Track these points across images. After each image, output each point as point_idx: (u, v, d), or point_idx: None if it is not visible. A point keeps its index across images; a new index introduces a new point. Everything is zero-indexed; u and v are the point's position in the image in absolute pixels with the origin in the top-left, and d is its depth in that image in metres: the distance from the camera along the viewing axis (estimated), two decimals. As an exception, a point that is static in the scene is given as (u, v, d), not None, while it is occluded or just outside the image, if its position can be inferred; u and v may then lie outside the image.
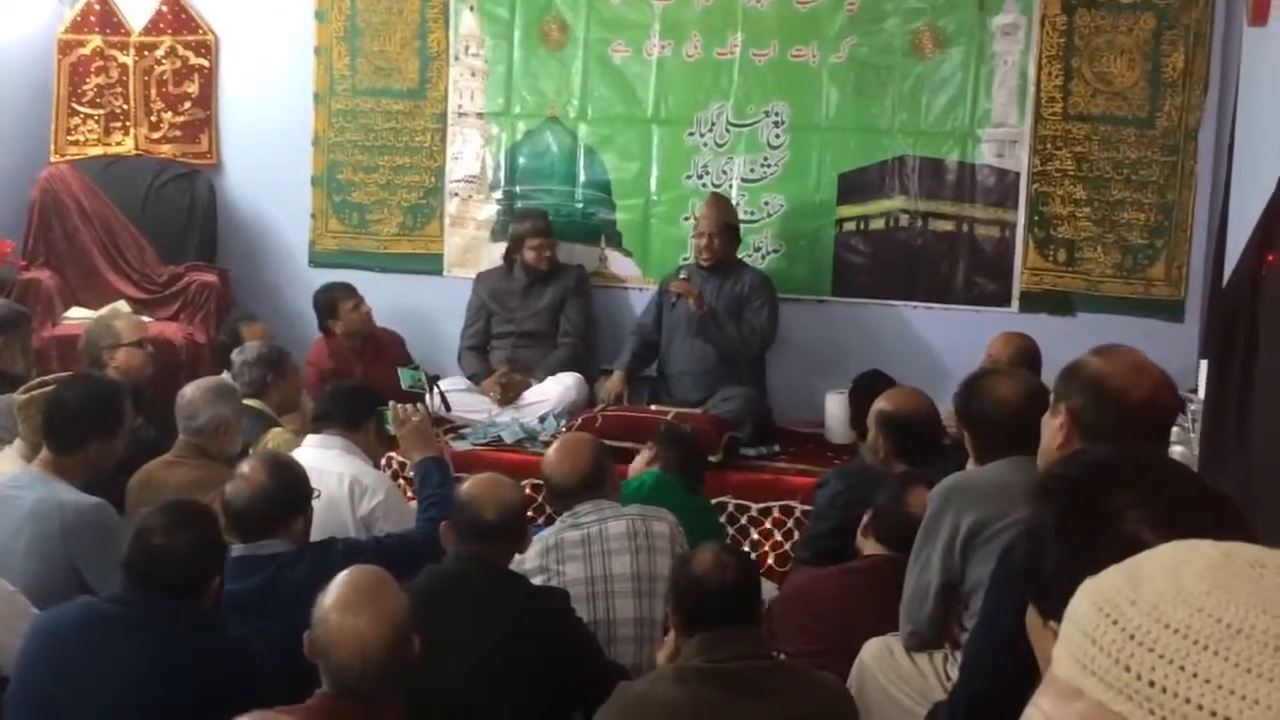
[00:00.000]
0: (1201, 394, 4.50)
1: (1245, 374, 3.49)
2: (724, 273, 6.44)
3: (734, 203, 6.78)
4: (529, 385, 6.57)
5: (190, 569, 3.10)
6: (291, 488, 3.58)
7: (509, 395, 6.48)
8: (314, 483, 3.83)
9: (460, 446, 5.93)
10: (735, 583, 3.01)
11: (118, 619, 3.06)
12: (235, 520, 3.51)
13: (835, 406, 6.26)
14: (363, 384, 5.14)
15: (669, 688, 2.86)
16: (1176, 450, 4.96)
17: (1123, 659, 0.91)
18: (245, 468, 3.59)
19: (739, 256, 6.62)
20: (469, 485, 3.58)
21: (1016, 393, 3.41)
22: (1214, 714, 0.87)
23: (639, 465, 4.75)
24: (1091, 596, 0.98)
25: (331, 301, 6.61)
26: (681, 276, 6.46)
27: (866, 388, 5.29)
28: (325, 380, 5.86)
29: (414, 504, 4.36)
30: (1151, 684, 0.89)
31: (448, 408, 6.30)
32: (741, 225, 6.68)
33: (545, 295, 6.81)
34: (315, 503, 3.79)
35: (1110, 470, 1.61)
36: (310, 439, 4.53)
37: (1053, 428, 2.66)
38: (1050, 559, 1.53)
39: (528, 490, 4.89)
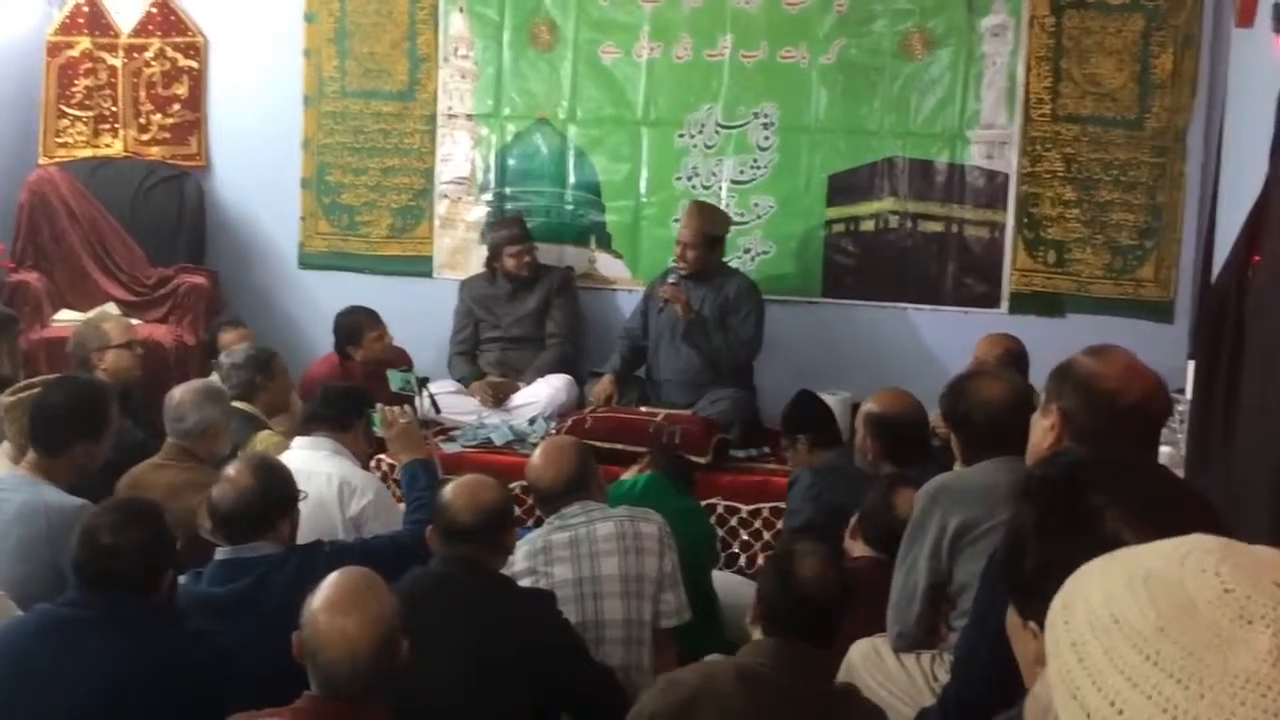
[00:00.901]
0: (1189, 394, 4.50)
1: (1231, 375, 3.50)
2: (709, 279, 6.41)
3: (724, 205, 6.78)
4: (517, 389, 6.56)
5: (141, 566, 3.09)
6: (277, 490, 3.57)
7: (498, 398, 6.47)
8: (303, 484, 3.82)
9: (449, 449, 5.93)
10: (834, 600, 2.95)
11: (74, 622, 3.04)
12: (222, 523, 3.50)
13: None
14: (352, 386, 5.13)
15: (730, 683, 2.78)
16: (1164, 451, 4.95)
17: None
18: (231, 471, 3.59)
19: (725, 261, 6.59)
20: (448, 488, 3.57)
21: (1003, 394, 3.41)
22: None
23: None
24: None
25: (356, 328, 6.42)
26: (670, 281, 6.43)
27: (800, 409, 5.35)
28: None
29: (403, 505, 4.36)
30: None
31: (437, 410, 6.29)
32: (732, 227, 6.67)
33: (530, 299, 6.80)
34: (304, 504, 3.78)
35: (1089, 471, 1.61)
36: (299, 440, 4.53)
37: (1043, 428, 2.65)
38: (1030, 559, 1.53)
39: (517, 492, 4.89)
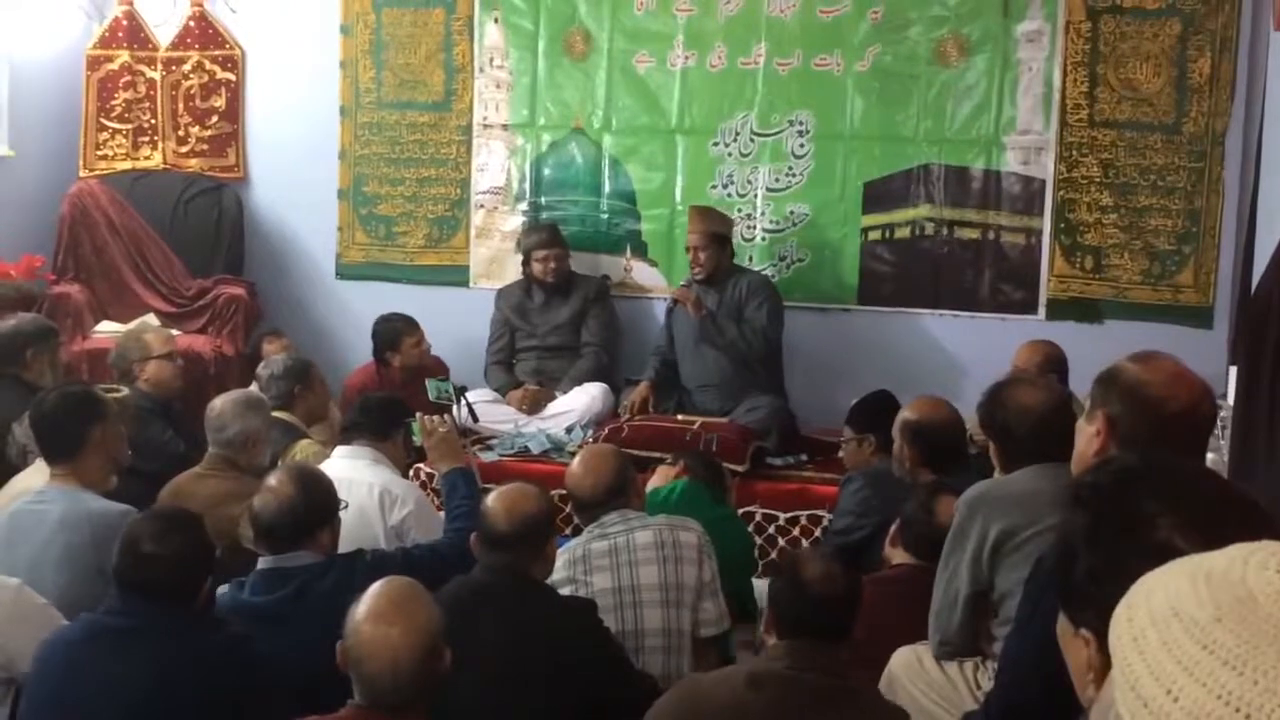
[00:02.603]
0: (1231, 401, 4.48)
1: (1275, 380, 3.47)
2: (722, 281, 6.44)
3: (759, 212, 6.78)
4: (554, 398, 6.58)
5: (181, 573, 3.12)
6: (319, 500, 3.59)
7: (535, 408, 6.50)
8: (344, 493, 3.84)
9: (487, 457, 5.95)
10: (840, 598, 2.97)
11: (118, 631, 3.07)
12: (263, 533, 3.52)
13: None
14: (392, 395, 5.16)
15: (741, 690, 2.81)
16: (1208, 457, 4.93)
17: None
18: (273, 480, 3.60)
19: (736, 263, 6.60)
20: (490, 496, 3.58)
21: (1041, 401, 3.39)
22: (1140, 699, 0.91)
23: (656, 482, 4.74)
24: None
25: (394, 334, 6.52)
26: (682, 283, 6.45)
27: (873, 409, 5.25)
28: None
29: (443, 514, 4.37)
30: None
31: (475, 419, 6.31)
32: (767, 234, 6.67)
33: (565, 308, 6.82)
34: (345, 513, 3.80)
35: (1141, 477, 1.60)
36: (339, 450, 4.55)
37: (1088, 434, 2.61)
38: (1081, 566, 1.52)
39: (556, 500, 4.89)
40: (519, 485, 3.68)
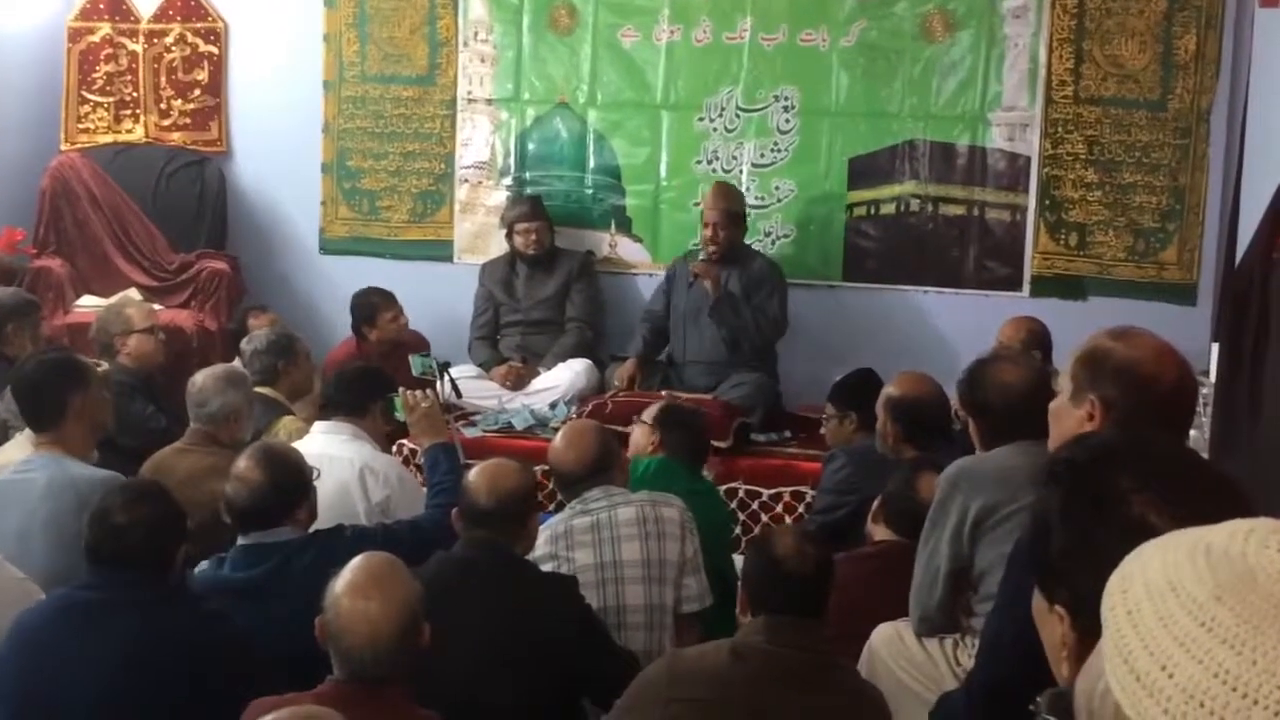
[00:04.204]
0: (1214, 377, 4.48)
1: (1256, 357, 3.48)
2: (732, 261, 6.41)
3: (744, 188, 6.77)
4: (537, 374, 6.58)
5: (153, 541, 3.11)
6: (288, 480, 3.57)
7: (519, 384, 6.49)
8: (325, 469, 3.83)
9: (471, 433, 5.93)
10: (812, 574, 3.00)
11: (91, 604, 3.06)
12: (240, 519, 3.52)
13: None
14: (365, 368, 5.11)
15: (725, 661, 2.85)
16: (1189, 434, 4.94)
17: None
18: (241, 466, 3.57)
19: (747, 243, 6.59)
20: (472, 471, 3.58)
21: (1020, 378, 3.40)
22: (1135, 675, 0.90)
23: (640, 442, 4.68)
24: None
25: (371, 308, 6.54)
26: (700, 258, 6.42)
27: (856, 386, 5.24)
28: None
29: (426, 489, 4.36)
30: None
31: (458, 394, 6.29)
32: (752, 211, 6.67)
33: (550, 282, 6.81)
34: (327, 489, 3.80)
35: (1115, 453, 1.60)
36: (318, 425, 4.54)
37: (1078, 418, 2.54)
38: (1055, 542, 1.52)
39: (540, 476, 4.88)
40: (501, 460, 3.68)
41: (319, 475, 3.73)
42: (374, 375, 4.82)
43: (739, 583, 3.13)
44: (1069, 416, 2.58)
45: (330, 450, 4.24)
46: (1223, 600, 0.92)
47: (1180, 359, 2.59)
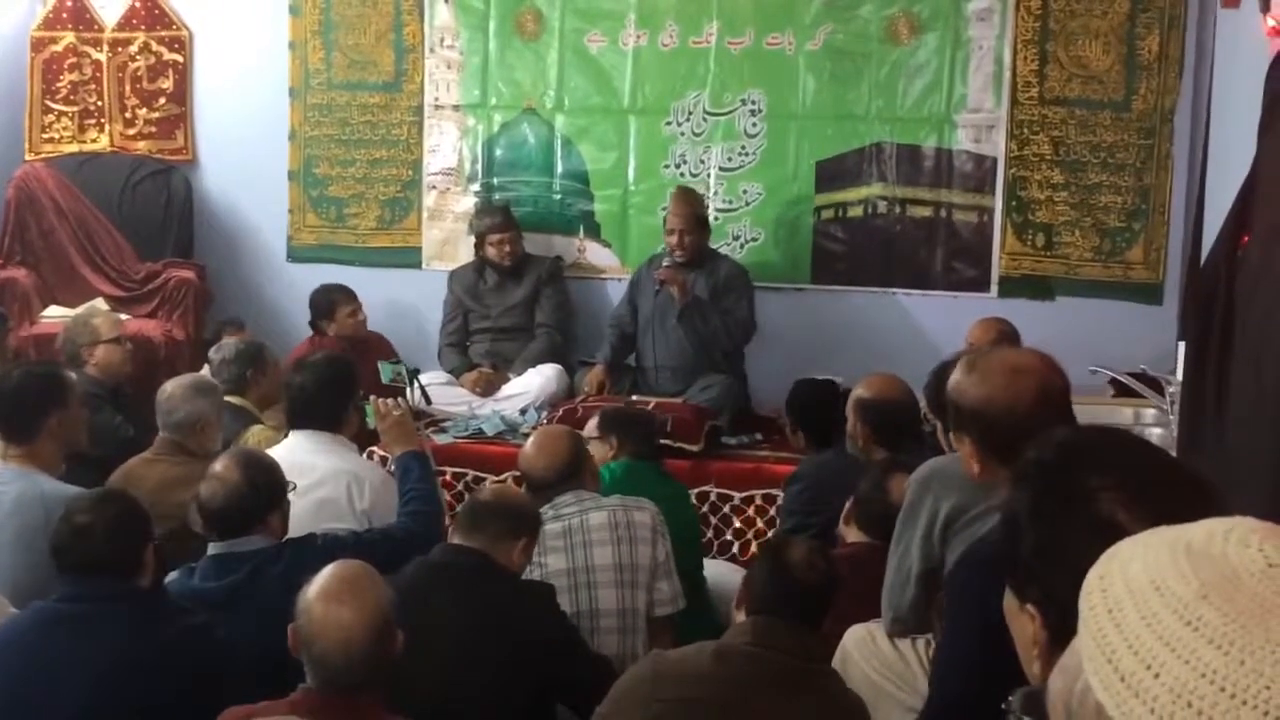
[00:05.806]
0: (1180, 376, 4.51)
1: (1222, 355, 3.50)
2: (700, 264, 6.41)
3: (712, 192, 6.78)
4: (507, 380, 6.57)
5: (116, 539, 3.10)
6: (266, 484, 3.55)
7: (489, 390, 6.48)
8: (308, 479, 3.82)
9: (441, 440, 5.92)
10: (818, 585, 3.02)
11: (69, 617, 3.04)
12: (212, 520, 3.49)
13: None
14: (322, 378, 4.47)
15: (707, 662, 2.85)
16: (1155, 433, 4.98)
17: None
18: (218, 467, 3.55)
19: (713, 247, 6.59)
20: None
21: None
22: (1121, 676, 0.90)
23: (598, 455, 4.59)
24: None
25: (330, 304, 6.59)
26: (666, 264, 6.42)
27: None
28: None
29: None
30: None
31: (428, 401, 6.27)
32: (720, 214, 6.68)
33: (519, 289, 6.80)
34: (312, 498, 3.78)
35: (1083, 451, 1.61)
36: (297, 435, 4.46)
37: (965, 454, 2.64)
38: (1025, 541, 1.53)
39: (510, 482, 4.87)
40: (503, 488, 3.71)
41: (295, 488, 3.70)
42: (337, 383, 4.46)
43: (742, 583, 3.12)
44: (961, 448, 2.66)
45: (313, 460, 4.17)
46: (1209, 599, 0.92)
47: (1035, 366, 2.58)
